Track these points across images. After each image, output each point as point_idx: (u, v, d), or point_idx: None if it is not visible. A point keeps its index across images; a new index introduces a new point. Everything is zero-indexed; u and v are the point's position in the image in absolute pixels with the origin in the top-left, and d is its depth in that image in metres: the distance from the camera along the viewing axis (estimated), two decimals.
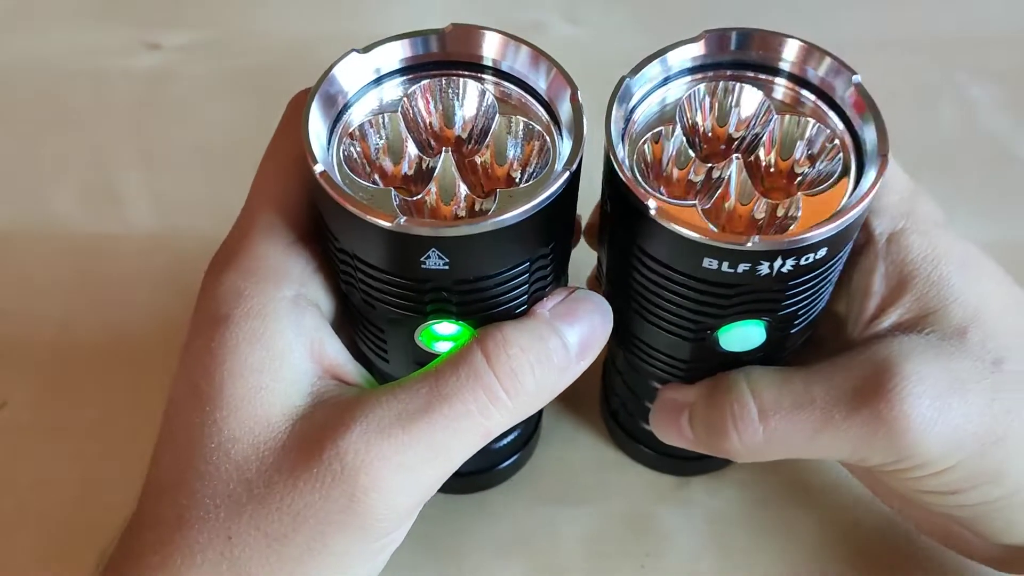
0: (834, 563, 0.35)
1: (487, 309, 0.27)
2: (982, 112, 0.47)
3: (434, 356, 0.28)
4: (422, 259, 0.25)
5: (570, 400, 0.39)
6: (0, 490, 0.37)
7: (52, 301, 0.42)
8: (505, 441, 0.35)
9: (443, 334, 0.28)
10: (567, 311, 0.28)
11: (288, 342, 0.26)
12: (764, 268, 0.25)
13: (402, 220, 0.24)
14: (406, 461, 0.25)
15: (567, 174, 0.25)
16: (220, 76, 0.48)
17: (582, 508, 0.37)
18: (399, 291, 0.26)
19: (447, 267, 0.25)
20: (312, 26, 0.50)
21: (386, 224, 0.24)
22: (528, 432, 0.37)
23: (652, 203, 0.25)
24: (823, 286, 0.28)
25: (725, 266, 0.25)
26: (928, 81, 0.48)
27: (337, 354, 0.28)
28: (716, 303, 0.27)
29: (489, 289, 0.26)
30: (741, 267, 0.25)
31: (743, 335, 0.28)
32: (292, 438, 0.26)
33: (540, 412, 0.36)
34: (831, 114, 0.28)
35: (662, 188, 0.28)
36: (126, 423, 0.39)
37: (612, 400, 0.37)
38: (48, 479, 0.37)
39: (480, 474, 0.37)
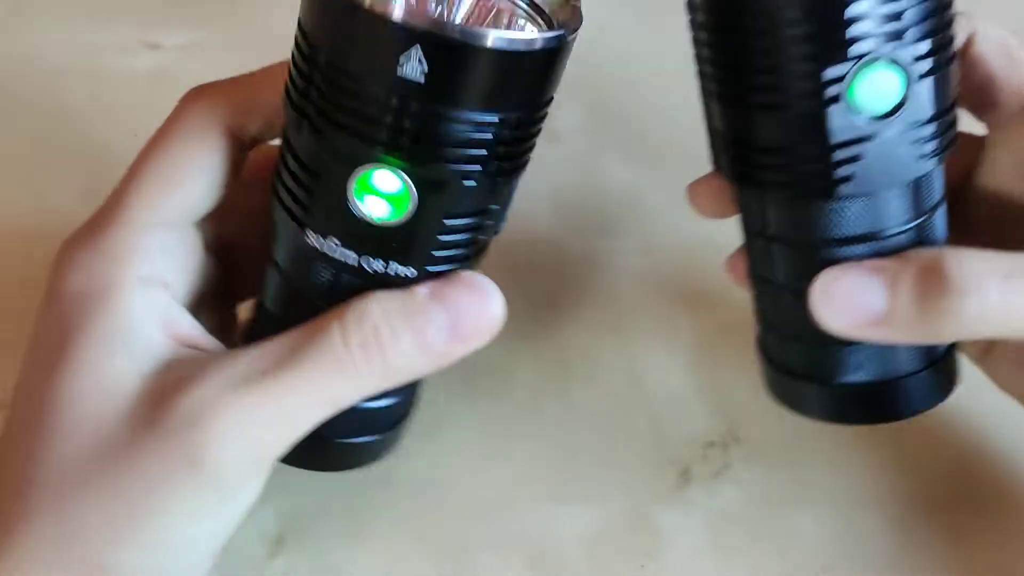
0: (834, 563, 0.35)
1: (440, 160, 0.26)
2: None
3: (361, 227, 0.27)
4: (400, 60, 0.24)
5: (567, 401, 0.39)
6: None
7: None
8: (376, 404, 0.32)
9: (380, 189, 0.26)
10: (445, 292, 0.28)
11: (138, 316, 0.28)
12: None
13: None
14: (249, 418, 0.26)
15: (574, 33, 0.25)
16: (220, 76, 0.48)
17: (582, 508, 0.37)
18: (359, 104, 0.25)
19: (422, 79, 0.24)
20: None
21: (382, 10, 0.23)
22: (399, 413, 0.34)
23: None
24: None
25: None
26: None
27: (192, 329, 0.28)
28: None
29: (452, 135, 0.25)
30: None
31: (879, 84, 0.26)
32: (142, 395, 0.26)
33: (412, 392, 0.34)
34: None
35: None
36: None
37: (766, 337, 0.33)
38: None
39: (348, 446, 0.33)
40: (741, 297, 0.36)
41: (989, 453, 0.37)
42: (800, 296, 0.29)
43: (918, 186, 0.28)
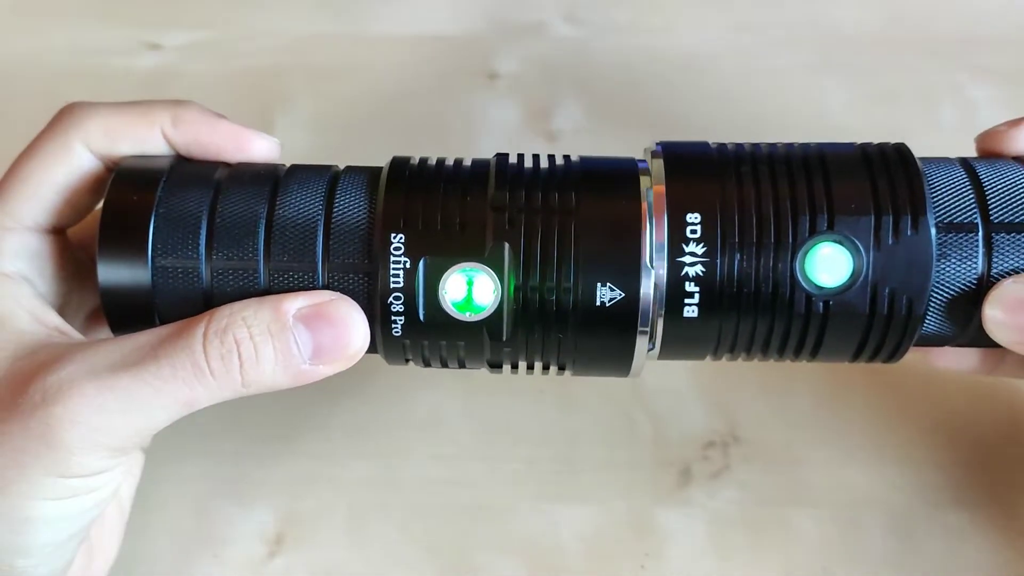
0: (834, 563, 0.35)
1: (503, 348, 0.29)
2: (982, 112, 0.47)
3: None
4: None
5: (567, 401, 0.39)
6: None
7: None
8: None
9: (475, 291, 0.28)
10: (312, 313, 0.28)
11: (5, 303, 0.29)
12: None
13: None
14: (105, 404, 0.27)
15: None
16: (220, 76, 0.48)
17: (582, 508, 0.37)
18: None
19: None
20: (312, 26, 0.50)
21: None
22: None
23: None
24: None
25: None
26: (928, 81, 0.48)
27: (61, 324, 0.30)
28: None
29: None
30: None
31: (823, 263, 0.28)
32: (5, 378, 0.27)
33: None
34: None
35: None
36: None
37: None
38: None
39: None
40: None
41: (989, 453, 0.37)
42: None
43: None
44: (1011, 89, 0.48)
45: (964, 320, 0.29)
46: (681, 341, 0.29)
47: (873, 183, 0.28)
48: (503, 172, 0.29)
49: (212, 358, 0.27)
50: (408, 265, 0.28)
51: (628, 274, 0.28)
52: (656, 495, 0.37)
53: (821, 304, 0.28)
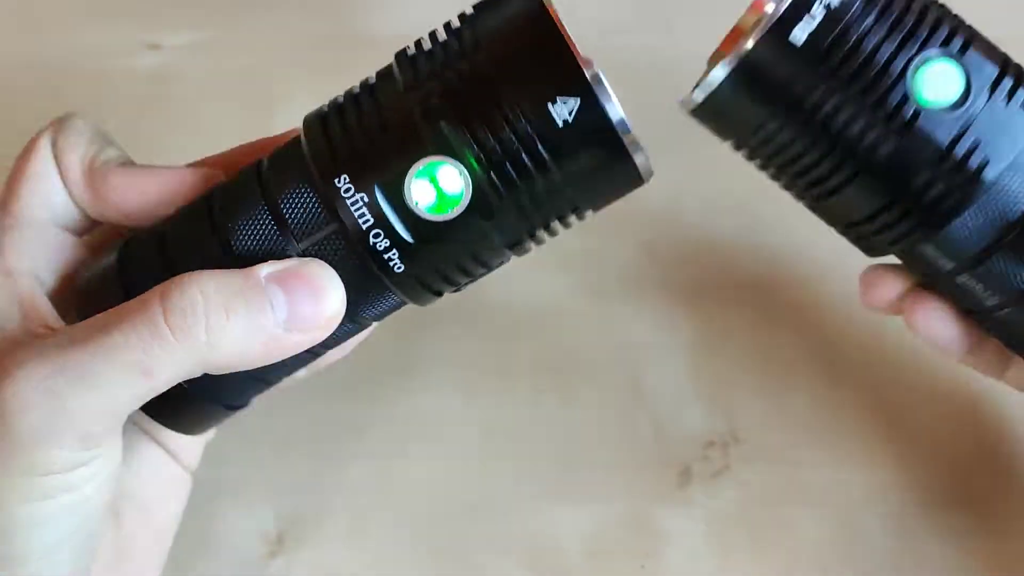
0: (834, 563, 0.35)
1: (512, 193, 0.26)
2: None
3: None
4: (558, 99, 0.25)
5: (567, 401, 0.39)
6: None
7: None
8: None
9: (441, 183, 0.26)
10: (288, 274, 0.27)
11: None
12: None
13: None
14: (54, 386, 0.25)
15: None
16: (220, 76, 0.48)
17: (582, 508, 0.37)
18: (489, 109, 0.26)
19: (561, 124, 0.25)
20: (312, 26, 0.50)
21: None
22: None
23: None
24: None
25: None
26: None
27: (54, 320, 0.28)
28: None
29: (539, 189, 0.26)
30: None
31: (937, 79, 0.27)
32: None
33: None
34: None
35: None
36: None
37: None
38: None
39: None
40: (741, 297, 0.37)
41: (989, 454, 0.37)
42: None
43: None
44: None
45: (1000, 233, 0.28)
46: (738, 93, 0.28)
47: (1007, 58, 0.28)
48: (404, 59, 0.27)
49: (171, 313, 0.25)
50: (366, 198, 0.26)
51: (567, 79, 0.25)
52: (656, 495, 0.37)
53: (911, 111, 0.27)
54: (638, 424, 0.38)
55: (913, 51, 0.27)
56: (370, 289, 0.28)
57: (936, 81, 0.27)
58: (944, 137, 0.27)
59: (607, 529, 0.36)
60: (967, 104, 0.27)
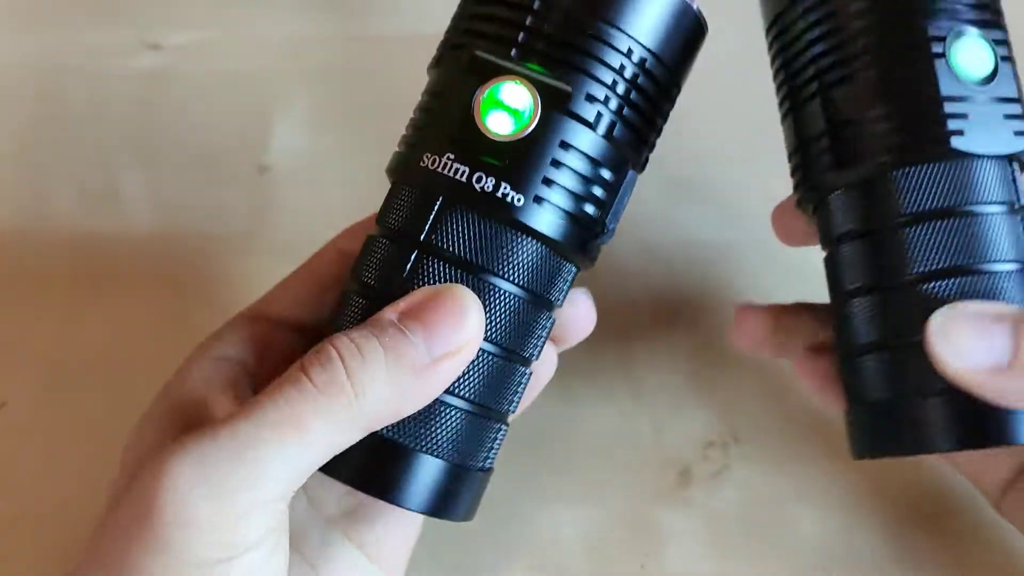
0: (834, 563, 0.35)
1: (571, 68, 0.27)
2: None
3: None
4: None
5: (567, 401, 0.39)
6: None
7: (52, 300, 0.42)
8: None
9: (507, 103, 0.27)
10: (416, 307, 0.26)
11: (194, 388, 0.28)
12: None
13: None
14: (207, 470, 0.24)
15: None
16: (220, 76, 0.48)
17: (582, 508, 0.37)
18: (504, 8, 0.27)
19: None
20: (312, 26, 0.50)
21: None
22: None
23: None
24: None
25: None
26: None
27: (226, 401, 0.29)
28: None
29: (587, 47, 0.27)
30: None
31: (974, 53, 0.29)
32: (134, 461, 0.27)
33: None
34: None
35: None
36: (126, 423, 0.39)
37: (861, 383, 0.31)
38: (48, 479, 0.37)
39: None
40: (741, 298, 0.37)
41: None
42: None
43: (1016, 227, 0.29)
44: None
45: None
46: None
47: None
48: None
49: (311, 370, 0.25)
50: (452, 155, 0.27)
51: None
52: (656, 495, 0.37)
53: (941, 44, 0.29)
54: (638, 424, 0.38)
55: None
56: (512, 248, 0.28)
57: (971, 55, 0.29)
58: (948, 89, 0.29)
59: (607, 529, 0.36)
60: (984, 87, 0.29)
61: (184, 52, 0.49)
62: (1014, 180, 0.29)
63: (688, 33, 0.29)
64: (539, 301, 0.29)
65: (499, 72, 0.27)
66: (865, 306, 0.30)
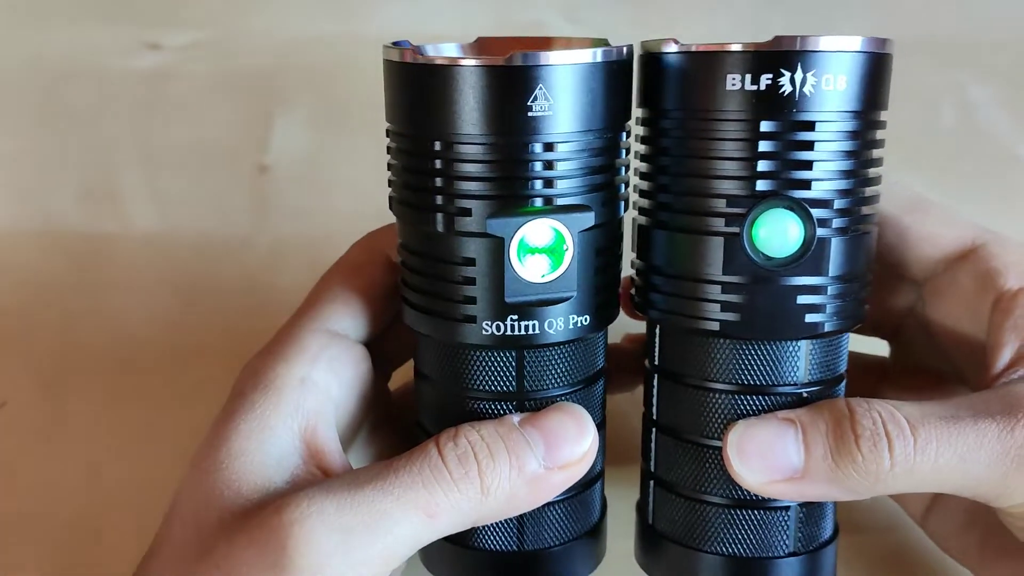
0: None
1: (578, 192, 0.27)
2: (982, 112, 0.47)
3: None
4: (528, 102, 0.25)
5: None
6: (0, 490, 0.37)
7: (52, 301, 0.42)
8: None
9: (535, 245, 0.27)
10: (537, 418, 0.28)
11: (280, 417, 0.28)
12: (785, 82, 0.25)
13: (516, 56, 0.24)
14: (344, 523, 0.25)
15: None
16: (220, 76, 0.48)
17: None
18: (496, 165, 0.26)
19: (550, 111, 0.25)
20: (312, 26, 0.50)
21: (497, 62, 0.24)
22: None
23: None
24: (853, 160, 0.27)
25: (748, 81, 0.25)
26: (928, 81, 0.48)
27: (327, 441, 0.29)
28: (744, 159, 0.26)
29: (585, 160, 0.27)
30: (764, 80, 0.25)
31: (778, 229, 0.26)
32: (253, 506, 0.26)
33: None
34: None
35: None
36: (126, 422, 0.39)
37: (658, 504, 0.33)
38: (48, 479, 0.37)
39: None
40: None
41: None
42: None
43: (812, 351, 0.28)
44: (1011, 89, 0.48)
45: None
46: None
47: None
48: None
49: (449, 459, 0.26)
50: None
51: None
52: None
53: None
54: (638, 424, 0.38)
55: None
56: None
57: (776, 231, 0.27)
58: (732, 269, 0.27)
59: (607, 529, 0.36)
60: (785, 267, 0.27)
61: (184, 52, 0.49)
62: (816, 358, 0.28)
63: (617, 76, 0.28)
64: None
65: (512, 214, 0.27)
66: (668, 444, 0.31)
